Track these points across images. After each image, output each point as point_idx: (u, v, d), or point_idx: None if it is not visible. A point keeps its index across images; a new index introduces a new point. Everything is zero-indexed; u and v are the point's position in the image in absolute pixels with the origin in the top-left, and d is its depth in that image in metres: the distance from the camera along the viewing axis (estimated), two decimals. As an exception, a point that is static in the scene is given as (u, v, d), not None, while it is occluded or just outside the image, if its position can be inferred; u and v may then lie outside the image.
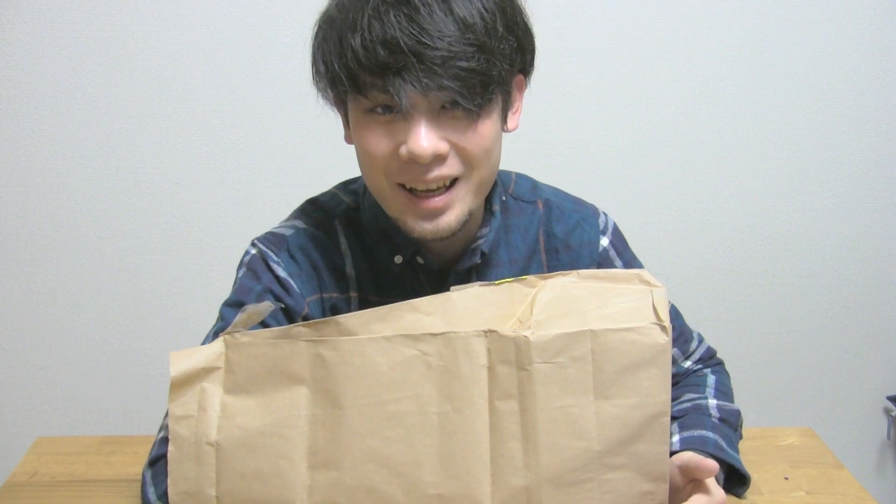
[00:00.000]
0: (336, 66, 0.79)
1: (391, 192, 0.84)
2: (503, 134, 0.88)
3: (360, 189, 0.96)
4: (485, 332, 0.71)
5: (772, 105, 1.67)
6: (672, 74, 1.64)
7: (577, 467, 0.70)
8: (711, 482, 0.78)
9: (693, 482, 0.79)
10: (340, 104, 0.87)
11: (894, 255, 1.80)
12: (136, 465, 1.03)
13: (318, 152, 1.61)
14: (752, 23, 1.62)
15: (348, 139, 0.89)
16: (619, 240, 1.02)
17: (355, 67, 0.78)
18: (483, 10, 0.78)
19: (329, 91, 0.84)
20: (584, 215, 1.00)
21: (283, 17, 1.55)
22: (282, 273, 0.91)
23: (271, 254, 0.92)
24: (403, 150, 0.79)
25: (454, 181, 0.83)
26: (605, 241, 1.00)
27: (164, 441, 0.82)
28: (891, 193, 1.76)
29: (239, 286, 0.92)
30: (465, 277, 0.93)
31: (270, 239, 0.94)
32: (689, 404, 0.96)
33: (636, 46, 1.62)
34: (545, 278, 0.79)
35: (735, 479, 0.92)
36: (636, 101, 1.65)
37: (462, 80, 0.76)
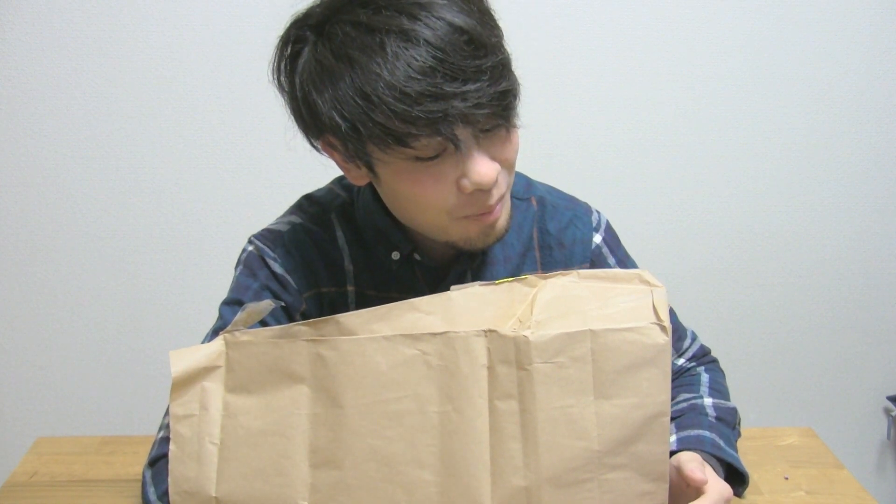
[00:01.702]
0: (368, 123, 0.73)
1: (454, 224, 0.82)
2: None
3: (355, 186, 0.96)
4: (485, 331, 0.71)
5: (772, 105, 1.67)
6: (672, 74, 1.64)
7: (577, 467, 0.70)
8: (711, 480, 0.78)
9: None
10: (354, 153, 0.79)
11: (894, 255, 1.80)
12: (136, 465, 1.03)
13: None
14: (752, 23, 1.62)
15: (357, 180, 0.86)
16: (611, 237, 1.02)
17: (397, 124, 0.72)
18: (483, 24, 0.76)
19: (352, 146, 0.77)
20: (576, 212, 1.01)
21: (283, 17, 1.55)
22: (278, 269, 0.91)
23: (268, 250, 0.92)
24: (466, 183, 0.78)
25: None
26: (597, 238, 1.00)
27: (165, 441, 0.82)
28: (891, 193, 1.76)
29: (236, 284, 0.92)
30: (462, 275, 0.94)
31: (266, 235, 0.93)
32: (685, 404, 0.96)
33: (636, 46, 1.62)
34: (545, 278, 0.79)
35: (734, 478, 0.92)
36: (636, 100, 1.65)
37: (501, 102, 0.76)
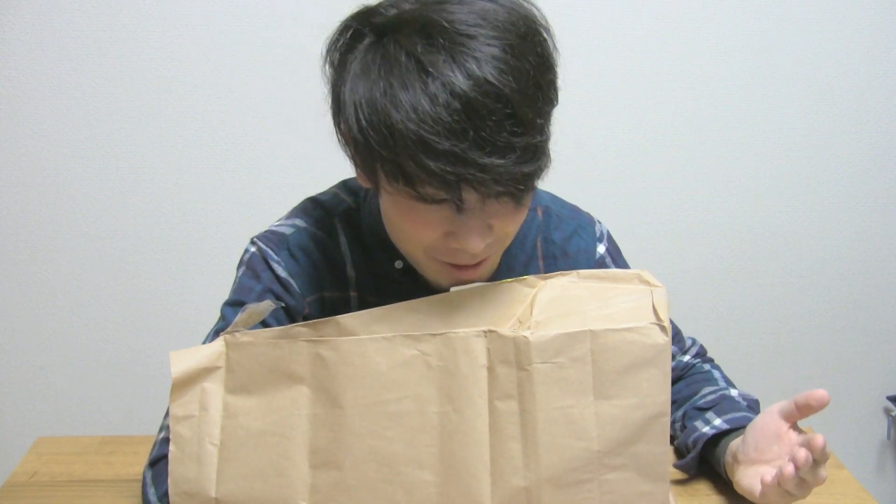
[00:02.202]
0: (384, 150, 0.70)
1: (426, 259, 0.81)
2: None
3: (362, 192, 0.95)
4: (484, 332, 0.71)
5: (772, 105, 1.67)
6: (672, 74, 1.64)
7: (577, 468, 0.70)
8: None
9: (792, 429, 0.87)
10: (363, 164, 0.77)
11: (894, 255, 1.80)
12: (136, 465, 1.03)
13: (318, 152, 1.60)
14: (752, 23, 1.62)
15: (363, 182, 0.83)
16: (613, 247, 1.03)
17: (410, 165, 0.69)
18: (538, 97, 0.73)
19: (358, 156, 0.76)
20: (580, 223, 1.01)
21: (283, 16, 1.55)
22: (282, 273, 0.90)
23: (271, 252, 0.91)
24: (454, 244, 0.76)
25: None
26: (601, 249, 1.01)
27: (165, 441, 0.82)
28: (891, 193, 1.76)
29: (239, 285, 0.92)
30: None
31: (270, 237, 0.93)
32: (714, 396, 1.00)
33: (636, 46, 1.62)
34: (545, 278, 0.79)
35: None
36: (636, 100, 1.65)
37: (521, 183, 0.73)
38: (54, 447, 1.07)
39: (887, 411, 1.91)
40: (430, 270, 0.82)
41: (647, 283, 0.77)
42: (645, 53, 1.62)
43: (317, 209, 0.96)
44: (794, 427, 0.88)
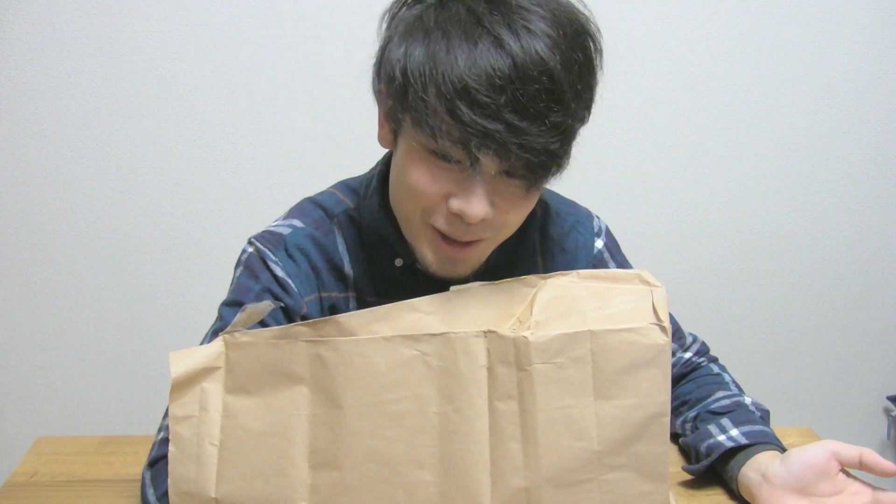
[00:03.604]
0: (417, 94, 0.72)
1: (421, 226, 0.82)
2: None
3: (362, 190, 0.95)
4: (484, 332, 0.71)
5: (772, 105, 1.67)
6: (672, 74, 1.64)
7: (577, 468, 0.70)
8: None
9: (841, 473, 0.87)
10: (392, 113, 0.79)
11: (894, 255, 1.80)
12: (136, 465, 1.03)
13: (318, 152, 1.61)
14: (752, 23, 1.62)
15: (383, 142, 0.85)
16: (612, 242, 1.03)
17: (440, 112, 0.72)
18: (578, 89, 0.75)
19: (397, 108, 0.77)
20: (578, 218, 1.01)
21: (283, 16, 1.55)
22: (280, 273, 0.90)
23: (269, 253, 0.91)
24: (454, 204, 0.76)
25: None
26: (599, 244, 1.01)
27: (164, 442, 0.82)
28: (891, 193, 1.76)
29: (237, 285, 0.92)
30: (464, 283, 0.93)
31: (268, 237, 0.93)
32: (728, 401, 0.99)
33: (636, 46, 1.62)
34: (545, 278, 0.79)
35: None
36: (636, 100, 1.65)
37: (542, 161, 0.74)
38: (54, 447, 1.07)
39: (887, 411, 1.91)
40: (422, 240, 0.83)
41: (647, 283, 0.77)
42: (645, 53, 1.62)
43: (315, 209, 0.96)
44: (843, 469, 0.88)
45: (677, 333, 1.08)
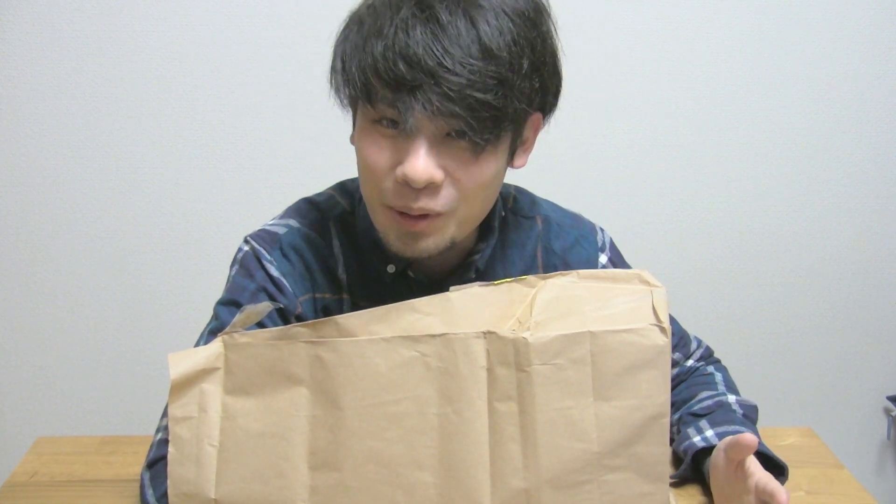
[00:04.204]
0: (354, 68, 0.78)
1: (380, 208, 0.83)
2: (508, 170, 0.87)
3: (358, 193, 0.95)
4: (484, 333, 0.70)
5: (772, 105, 1.67)
6: (672, 74, 1.64)
7: (577, 469, 0.70)
8: (764, 474, 0.83)
9: (739, 466, 0.84)
10: (353, 105, 0.85)
11: (894, 255, 1.80)
12: (136, 465, 1.03)
13: (318, 152, 1.61)
14: (752, 23, 1.62)
15: (352, 139, 0.87)
16: (616, 256, 1.02)
17: (371, 75, 0.76)
18: (511, 44, 0.76)
19: (343, 90, 0.82)
20: (582, 232, 1.00)
21: (282, 16, 1.55)
22: (275, 272, 0.90)
23: (264, 252, 0.91)
24: (399, 171, 0.78)
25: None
26: (603, 259, 1.00)
27: (163, 443, 0.82)
28: (891, 193, 1.76)
29: (232, 284, 0.92)
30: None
31: (263, 236, 0.93)
32: (710, 401, 0.99)
33: (636, 46, 1.62)
34: (545, 278, 0.79)
35: (772, 471, 0.92)
36: (636, 100, 1.65)
37: (474, 112, 0.74)
38: (54, 447, 1.07)
39: (887, 411, 1.91)
40: (382, 223, 0.84)
41: (646, 283, 0.77)
42: (645, 53, 1.62)
43: (312, 210, 0.96)
44: (740, 467, 0.86)
45: (682, 341, 1.07)
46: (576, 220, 1.02)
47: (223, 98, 1.59)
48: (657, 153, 1.68)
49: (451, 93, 0.73)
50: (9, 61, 1.55)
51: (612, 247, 1.02)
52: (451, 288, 0.76)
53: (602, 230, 1.02)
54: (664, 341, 0.70)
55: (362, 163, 0.82)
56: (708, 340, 1.12)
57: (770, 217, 1.75)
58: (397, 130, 0.78)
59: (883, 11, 1.63)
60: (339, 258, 0.93)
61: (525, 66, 0.77)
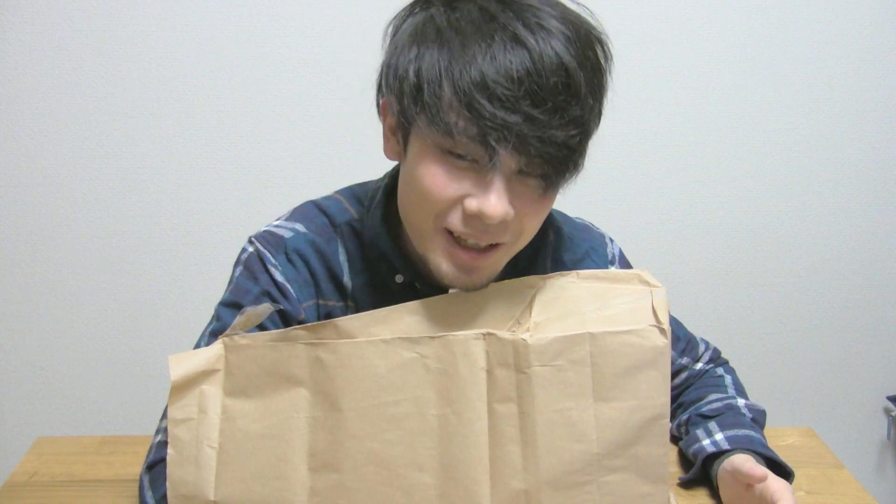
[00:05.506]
0: (433, 90, 0.71)
1: (433, 233, 0.78)
2: None
3: (367, 201, 0.93)
4: (483, 334, 0.71)
5: (772, 105, 1.67)
6: (672, 74, 1.64)
7: (577, 470, 0.70)
8: (772, 476, 0.85)
9: (748, 485, 0.86)
10: (401, 122, 0.77)
11: (894, 255, 1.80)
12: (136, 465, 1.03)
13: (319, 152, 1.61)
14: (752, 23, 1.62)
15: (390, 153, 0.83)
16: (626, 267, 1.00)
17: (456, 106, 0.71)
18: (593, 87, 0.75)
19: (411, 110, 0.74)
20: (592, 244, 0.99)
21: (283, 16, 1.55)
22: (279, 277, 0.89)
23: (269, 255, 0.90)
24: (472, 204, 0.73)
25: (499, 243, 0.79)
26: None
27: (162, 445, 0.81)
28: (891, 193, 1.76)
29: (235, 286, 0.91)
30: None
31: (268, 238, 0.91)
32: (719, 404, 0.99)
33: (636, 46, 1.62)
34: (544, 279, 0.79)
35: (778, 475, 0.92)
36: (636, 100, 1.65)
37: (560, 156, 0.73)
38: (54, 447, 1.07)
39: (887, 411, 1.91)
40: (435, 249, 0.78)
41: (647, 283, 0.77)
42: (645, 53, 1.62)
43: (319, 215, 0.94)
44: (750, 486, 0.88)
45: (690, 345, 1.07)
46: (586, 231, 1.01)
47: (223, 98, 1.59)
48: (657, 153, 1.68)
49: (545, 138, 0.71)
50: (9, 61, 1.54)
51: (622, 258, 1.01)
52: (451, 289, 0.76)
53: (612, 241, 1.01)
54: (664, 342, 0.70)
55: (420, 188, 0.76)
56: (708, 340, 1.12)
57: (770, 217, 1.75)
58: (470, 163, 0.73)
59: (883, 11, 1.63)
60: (345, 266, 0.91)
61: (598, 107, 0.78)
